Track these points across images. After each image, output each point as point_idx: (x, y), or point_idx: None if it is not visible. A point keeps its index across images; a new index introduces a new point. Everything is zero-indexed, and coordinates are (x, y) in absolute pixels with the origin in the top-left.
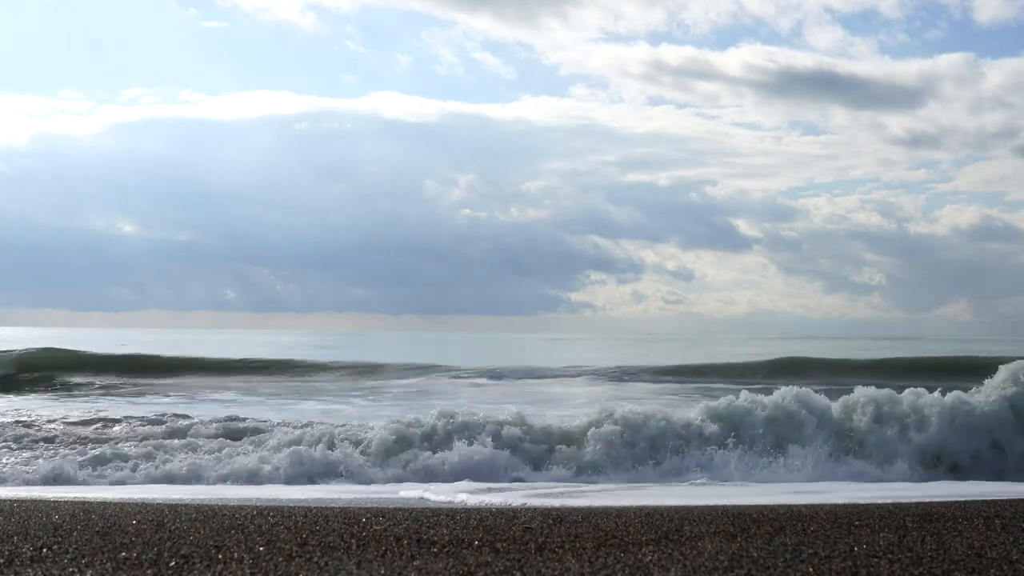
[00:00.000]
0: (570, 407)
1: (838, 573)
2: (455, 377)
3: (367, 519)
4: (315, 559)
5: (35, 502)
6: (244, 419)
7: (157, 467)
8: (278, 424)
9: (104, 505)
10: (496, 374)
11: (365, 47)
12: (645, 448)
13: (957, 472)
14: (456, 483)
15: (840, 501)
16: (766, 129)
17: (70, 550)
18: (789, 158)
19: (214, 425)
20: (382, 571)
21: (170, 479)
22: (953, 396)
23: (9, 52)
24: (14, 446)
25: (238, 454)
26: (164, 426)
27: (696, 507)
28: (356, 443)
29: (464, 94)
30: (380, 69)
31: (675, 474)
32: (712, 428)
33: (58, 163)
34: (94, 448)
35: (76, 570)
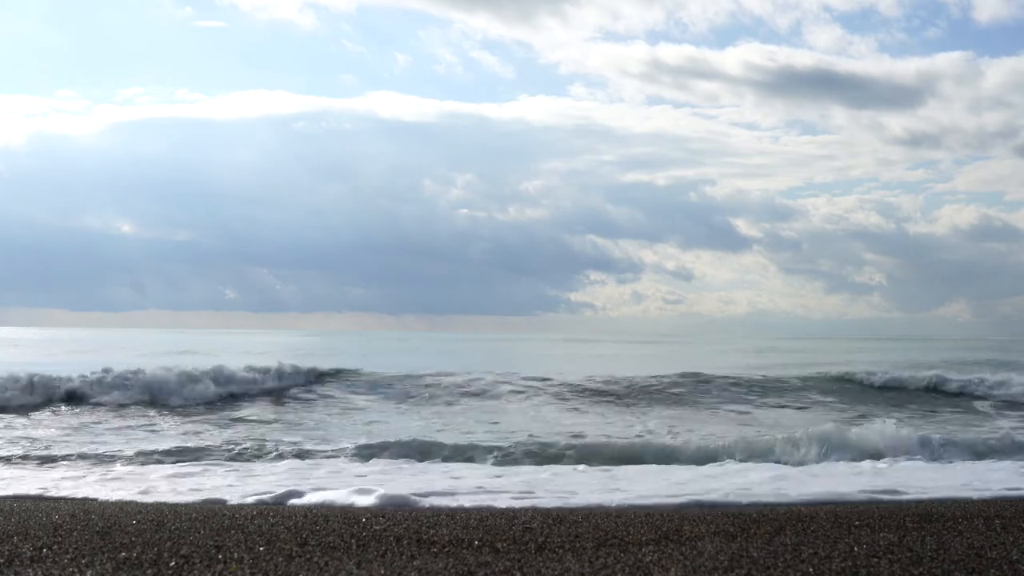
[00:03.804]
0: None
1: (838, 573)
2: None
3: (367, 519)
4: (315, 559)
5: (35, 502)
6: None
7: None
8: None
9: (104, 505)
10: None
11: (363, 46)
12: None
13: None
14: None
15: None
16: (765, 129)
17: (70, 550)
18: (788, 158)
19: None
20: (382, 571)
21: None
22: None
23: (5, 52)
24: None
25: None
26: None
27: (696, 507)
28: None
29: (462, 93)
30: (378, 68)
31: None
32: None
33: (55, 163)
34: None
35: (76, 570)
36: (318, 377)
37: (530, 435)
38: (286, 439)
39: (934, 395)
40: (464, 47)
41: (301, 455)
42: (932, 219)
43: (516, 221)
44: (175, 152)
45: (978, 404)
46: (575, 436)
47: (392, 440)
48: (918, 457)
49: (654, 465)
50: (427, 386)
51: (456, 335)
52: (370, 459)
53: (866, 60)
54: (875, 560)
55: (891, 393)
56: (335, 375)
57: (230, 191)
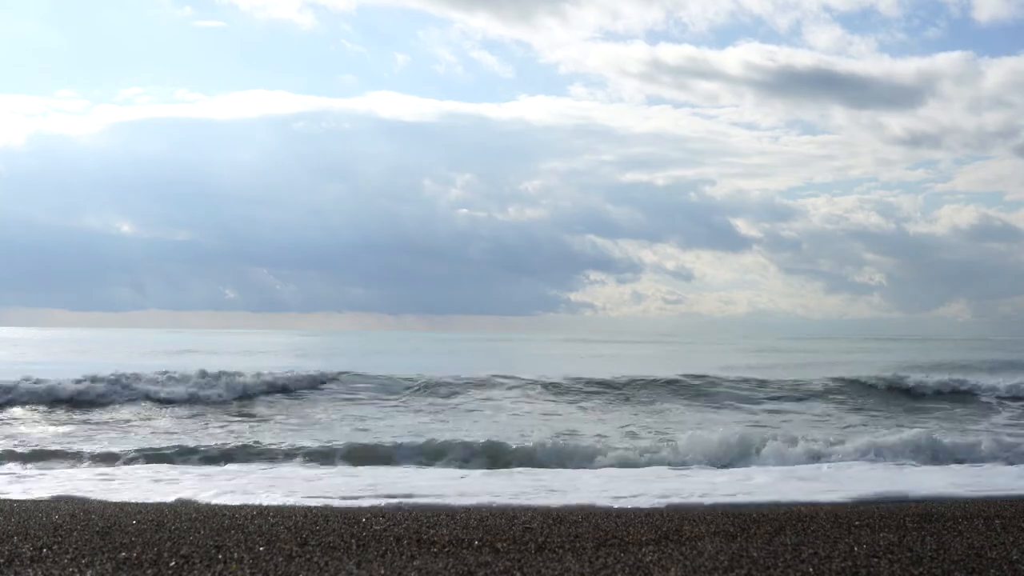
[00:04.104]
0: None
1: (838, 573)
2: None
3: (367, 519)
4: (315, 559)
5: (35, 502)
6: None
7: None
8: None
9: (104, 505)
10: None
11: (363, 46)
12: None
13: None
14: None
15: (840, 500)
16: (764, 129)
17: (70, 550)
18: (788, 158)
19: None
20: (382, 571)
21: None
22: None
23: (5, 52)
24: None
25: None
26: None
27: (696, 507)
28: None
29: (462, 93)
30: (378, 68)
31: None
32: None
33: (55, 163)
34: None
35: (76, 570)
36: (320, 380)
37: (522, 434)
38: (265, 441)
39: (943, 397)
40: (464, 47)
41: (257, 458)
42: (932, 219)
43: (516, 221)
44: (175, 152)
45: (987, 404)
46: (558, 436)
47: (365, 442)
48: (904, 461)
49: (599, 470)
50: (428, 387)
51: (456, 335)
52: (337, 463)
53: (866, 60)
54: (875, 560)
55: (896, 393)
56: (338, 377)
57: (230, 191)
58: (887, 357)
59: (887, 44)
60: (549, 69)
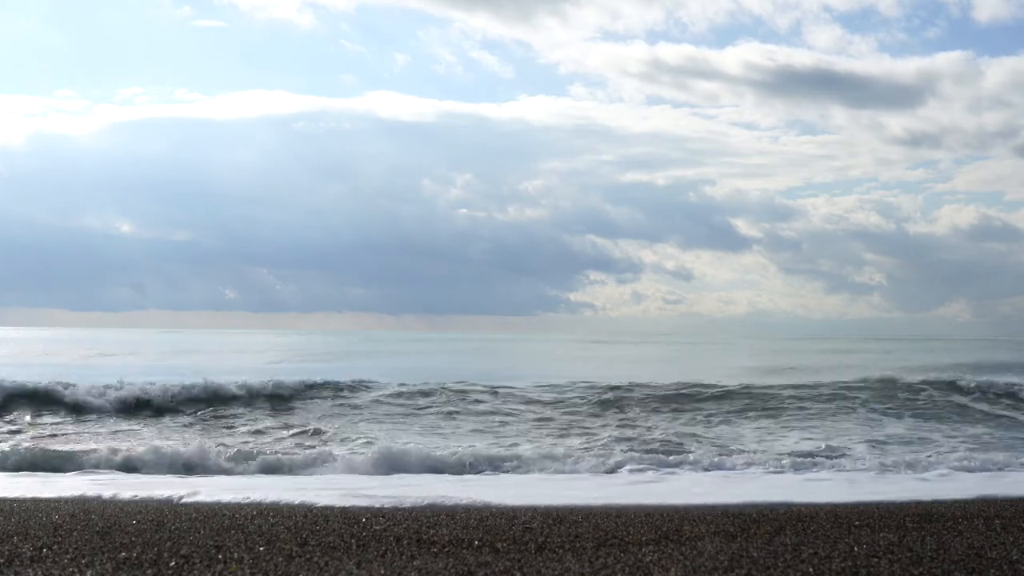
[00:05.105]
0: None
1: (838, 573)
2: None
3: (367, 519)
4: (315, 559)
5: (35, 502)
6: None
7: None
8: None
9: (104, 505)
10: None
11: (362, 46)
12: None
13: None
14: None
15: (840, 500)
16: (764, 129)
17: (70, 550)
18: (788, 158)
19: None
20: (382, 571)
21: None
22: None
23: (5, 52)
24: None
25: None
26: None
27: (696, 507)
28: None
29: (461, 93)
30: (377, 68)
31: None
32: None
33: (55, 163)
34: None
35: (76, 570)
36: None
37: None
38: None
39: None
40: (464, 47)
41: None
42: (932, 219)
43: (516, 221)
44: (175, 152)
45: None
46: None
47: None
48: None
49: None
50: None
51: (457, 335)
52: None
53: (866, 60)
54: (875, 560)
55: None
56: (369, 384)
57: (230, 191)
58: (897, 357)
59: (887, 44)
60: (549, 69)
